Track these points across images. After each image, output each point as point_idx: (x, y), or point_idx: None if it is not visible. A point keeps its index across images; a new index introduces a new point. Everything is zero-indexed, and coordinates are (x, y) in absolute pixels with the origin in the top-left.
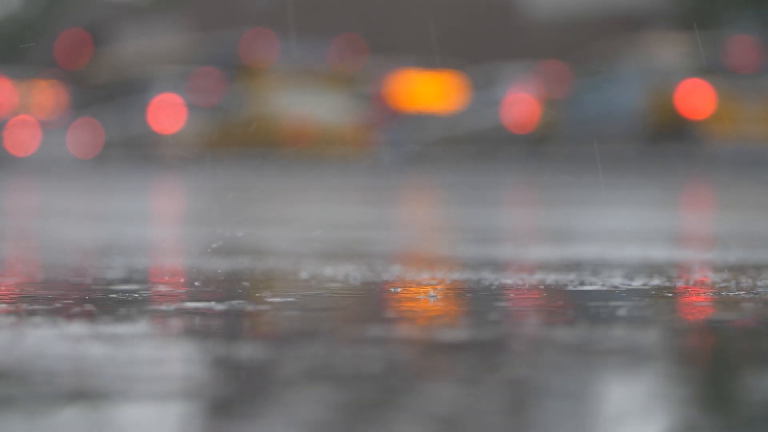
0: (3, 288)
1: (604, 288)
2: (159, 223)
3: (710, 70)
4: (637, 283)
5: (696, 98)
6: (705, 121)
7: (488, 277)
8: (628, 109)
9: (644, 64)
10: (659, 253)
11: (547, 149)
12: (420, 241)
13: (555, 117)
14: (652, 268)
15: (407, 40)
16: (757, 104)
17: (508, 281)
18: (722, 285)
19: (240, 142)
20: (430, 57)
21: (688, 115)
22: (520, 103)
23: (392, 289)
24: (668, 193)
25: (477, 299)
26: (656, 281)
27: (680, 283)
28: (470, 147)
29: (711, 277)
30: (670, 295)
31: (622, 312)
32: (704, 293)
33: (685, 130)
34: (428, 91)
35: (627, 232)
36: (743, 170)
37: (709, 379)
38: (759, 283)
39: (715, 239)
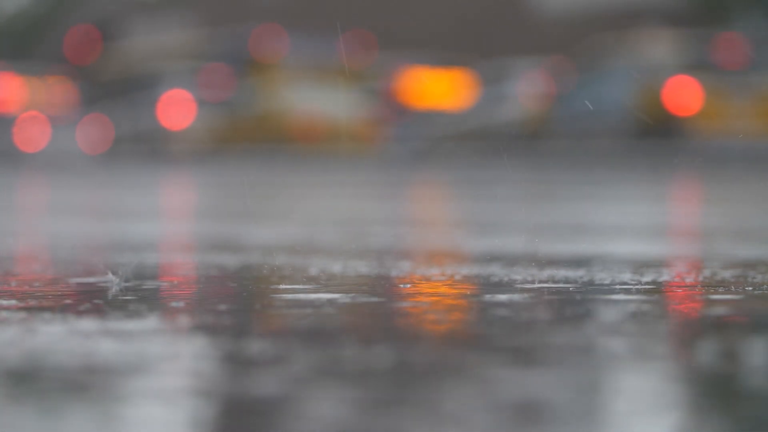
0: (13, 284)
1: (614, 284)
2: (169, 219)
3: (698, 66)
4: (647, 278)
5: (684, 95)
6: (693, 117)
7: (498, 272)
8: (617, 105)
9: (633, 61)
10: (665, 248)
11: (538, 145)
12: (429, 236)
13: (547, 113)
14: (660, 264)
15: (416, 36)
16: (744, 101)
17: (518, 276)
18: (731, 281)
19: (249, 138)
20: (440, 53)
21: (676, 111)
22: (525, 98)
23: (402, 285)
24: (665, 189)
25: (487, 295)
26: (665, 277)
27: (689, 279)
28: (479, 143)
29: (720, 273)
30: (680, 291)
31: (632, 308)
32: (714, 289)
33: (673, 126)
34: (437, 87)
35: (632, 227)
36: (731, 166)
37: (720, 376)
38: None
39: (720, 234)
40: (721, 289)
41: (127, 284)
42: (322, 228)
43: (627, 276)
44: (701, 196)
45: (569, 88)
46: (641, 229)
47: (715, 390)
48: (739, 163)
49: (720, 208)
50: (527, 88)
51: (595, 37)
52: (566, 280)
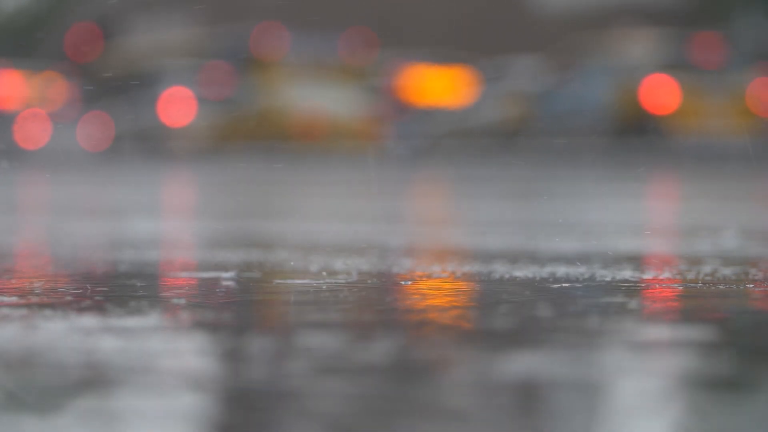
0: (14, 281)
1: (615, 281)
2: (169, 217)
3: (675, 65)
4: (648, 275)
5: (661, 93)
6: (670, 116)
7: (499, 269)
8: (596, 104)
9: (611, 60)
10: (664, 246)
11: (518, 143)
12: (430, 233)
13: (528, 111)
14: (660, 261)
15: (418, 33)
16: (721, 100)
17: (519, 274)
18: (733, 278)
19: (250, 136)
20: (441, 50)
21: (653, 110)
22: (512, 97)
23: (403, 282)
24: (648, 187)
25: (488, 292)
26: (666, 274)
27: (690, 276)
28: (480, 140)
29: (721, 269)
30: (680, 287)
31: (633, 305)
32: (714, 286)
33: (649, 124)
34: (438, 84)
35: (624, 224)
36: (707, 164)
37: (720, 373)
38: None
39: (719, 232)
40: (721, 287)
41: None
42: (323, 225)
43: (628, 273)
44: (680, 193)
45: (551, 86)
46: (635, 227)
47: (719, 387)
48: (715, 160)
49: (722, 206)
50: (514, 87)
51: (576, 36)
52: (567, 277)
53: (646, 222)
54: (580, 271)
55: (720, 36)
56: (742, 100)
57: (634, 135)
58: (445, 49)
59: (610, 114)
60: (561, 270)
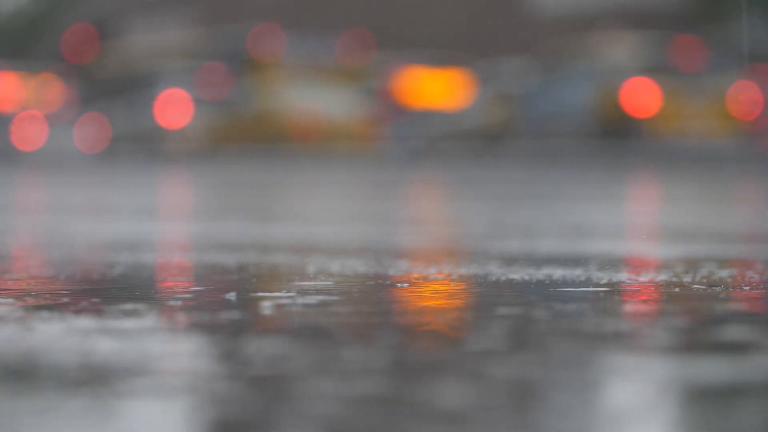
0: (11, 282)
1: (612, 283)
2: (166, 218)
3: (656, 68)
4: (644, 278)
5: (641, 96)
6: (651, 118)
7: (495, 271)
8: (578, 106)
9: (593, 63)
10: (660, 247)
11: (504, 145)
12: (427, 236)
13: (513, 113)
14: (657, 263)
15: (414, 35)
16: (701, 103)
17: (516, 276)
18: (730, 280)
19: (247, 137)
20: (437, 52)
21: (633, 112)
22: (497, 99)
23: (399, 284)
24: (641, 190)
25: (484, 294)
26: (663, 276)
27: (687, 279)
28: (475, 142)
29: (717, 272)
30: (678, 290)
31: (629, 307)
32: (711, 288)
33: (630, 127)
34: (435, 86)
35: (625, 226)
36: (688, 166)
37: (718, 375)
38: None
39: (714, 234)
40: (719, 289)
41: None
42: (320, 227)
43: (624, 276)
44: (668, 195)
45: (535, 88)
46: (629, 229)
47: (714, 389)
48: (696, 163)
49: (689, 208)
50: (503, 89)
51: (561, 38)
52: (564, 279)
53: (640, 224)
54: (576, 273)
55: (701, 39)
56: (722, 103)
57: (616, 138)
58: (441, 51)
59: (591, 117)
60: (557, 272)
